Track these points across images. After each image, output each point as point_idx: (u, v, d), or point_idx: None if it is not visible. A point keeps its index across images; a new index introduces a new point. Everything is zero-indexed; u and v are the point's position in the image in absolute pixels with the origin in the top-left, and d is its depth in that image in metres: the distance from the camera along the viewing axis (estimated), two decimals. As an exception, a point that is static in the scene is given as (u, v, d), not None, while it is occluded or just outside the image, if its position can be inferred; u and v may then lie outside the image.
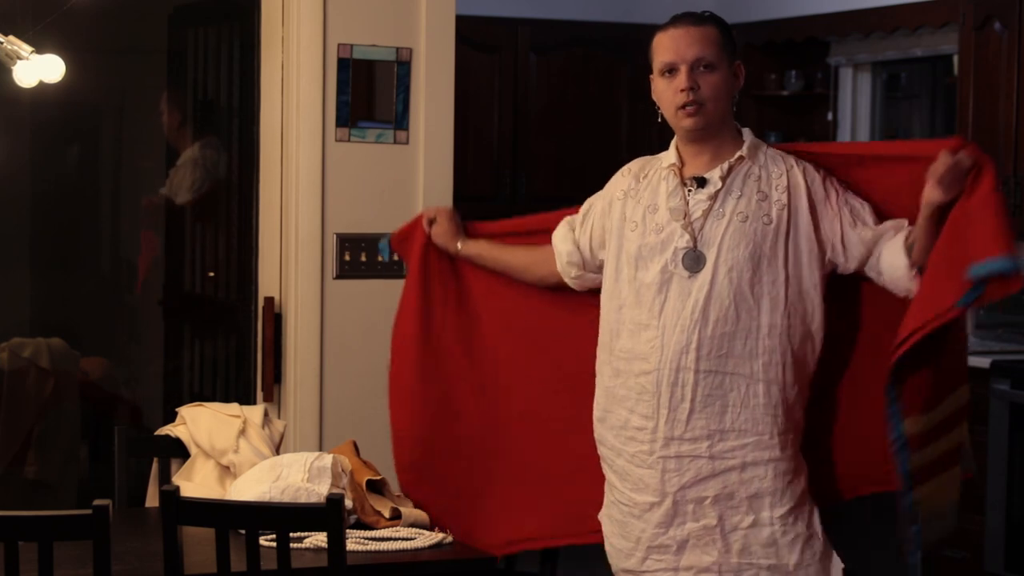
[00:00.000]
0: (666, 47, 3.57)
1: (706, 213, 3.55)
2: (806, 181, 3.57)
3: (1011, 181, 6.66)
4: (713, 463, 3.52)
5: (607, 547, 3.70)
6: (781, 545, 3.53)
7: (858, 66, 8.13)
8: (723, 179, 3.57)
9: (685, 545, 3.56)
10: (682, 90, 3.53)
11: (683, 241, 3.54)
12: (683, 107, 3.54)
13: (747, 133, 3.64)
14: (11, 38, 4.47)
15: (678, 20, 3.60)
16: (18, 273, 6.92)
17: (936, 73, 7.98)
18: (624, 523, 3.63)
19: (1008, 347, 6.75)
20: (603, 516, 3.73)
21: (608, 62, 8.34)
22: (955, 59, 7.16)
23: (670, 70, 3.56)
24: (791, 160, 3.61)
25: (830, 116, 8.19)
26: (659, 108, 3.63)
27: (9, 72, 4.50)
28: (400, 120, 5.32)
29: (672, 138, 3.69)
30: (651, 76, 3.65)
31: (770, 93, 8.29)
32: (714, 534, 3.54)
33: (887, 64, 8.08)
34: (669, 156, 3.64)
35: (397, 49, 5.30)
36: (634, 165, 3.73)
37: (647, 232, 3.59)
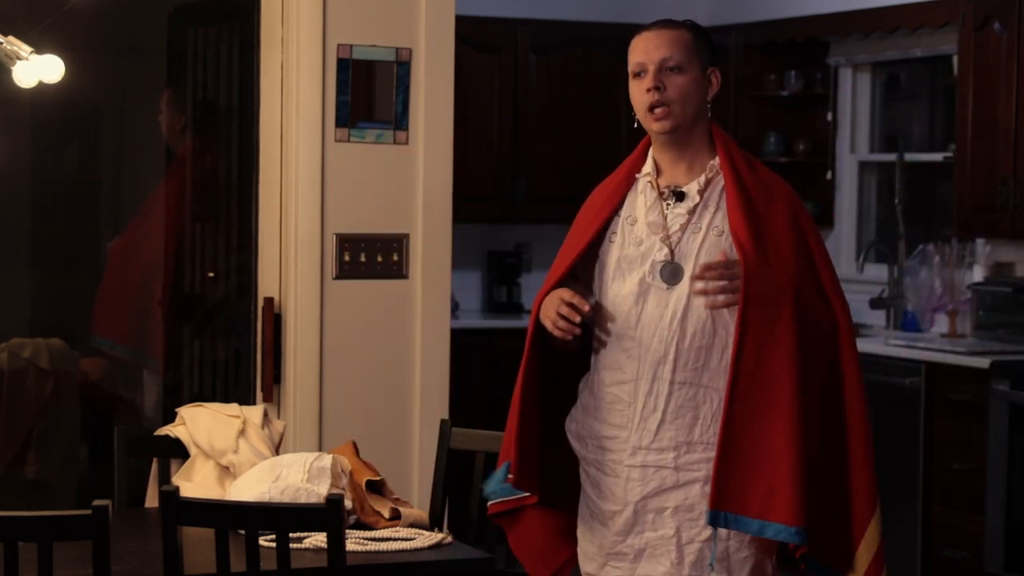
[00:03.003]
0: (637, 49, 3.60)
1: (684, 226, 3.55)
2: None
3: (1011, 181, 6.66)
4: (678, 474, 3.52)
5: (578, 551, 3.71)
6: (733, 561, 3.52)
7: (858, 66, 8.13)
8: (700, 193, 3.57)
9: (642, 554, 3.56)
10: (648, 90, 3.55)
11: (661, 254, 3.54)
12: (651, 109, 3.56)
13: (721, 139, 3.62)
14: (11, 38, 4.47)
15: (650, 25, 3.64)
16: (18, 273, 6.92)
17: (936, 73, 7.98)
18: (592, 529, 3.65)
19: (1008, 347, 6.75)
20: (579, 519, 3.73)
21: (608, 62, 8.34)
22: (955, 59, 7.16)
23: (639, 72, 3.58)
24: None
25: (830, 116, 8.19)
26: (634, 112, 3.64)
27: (9, 72, 4.50)
28: (400, 120, 5.32)
29: (641, 145, 3.69)
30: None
31: (770, 93, 8.29)
32: (669, 544, 3.53)
33: (887, 64, 8.09)
34: (646, 165, 3.64)
35: (397, 49, 5.30)
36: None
37: (626, 244, 3.59)
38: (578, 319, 3.51)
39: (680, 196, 3.58)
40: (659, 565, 3.54)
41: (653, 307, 3.53)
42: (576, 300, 3.51)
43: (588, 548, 3.66)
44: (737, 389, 3.41)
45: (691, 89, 3.56)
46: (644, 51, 3.58)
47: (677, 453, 3.52)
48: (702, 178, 3.58)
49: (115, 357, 6.47)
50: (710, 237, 3.53)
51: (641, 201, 3.61)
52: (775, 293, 3.44)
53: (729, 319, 3.50)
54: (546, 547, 3.76)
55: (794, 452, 3.39)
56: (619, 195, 3.64)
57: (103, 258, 6.98)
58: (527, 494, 3.72)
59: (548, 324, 3.54)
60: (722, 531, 3.51)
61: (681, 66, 3.56)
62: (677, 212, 3.57)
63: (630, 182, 3.65)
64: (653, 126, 3.58)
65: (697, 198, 3.57)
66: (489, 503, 3.78)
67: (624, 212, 3.62)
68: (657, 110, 3.55)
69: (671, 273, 3.53)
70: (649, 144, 3.67)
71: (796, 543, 3.41)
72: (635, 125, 3.66)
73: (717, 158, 3.59)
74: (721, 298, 3.45)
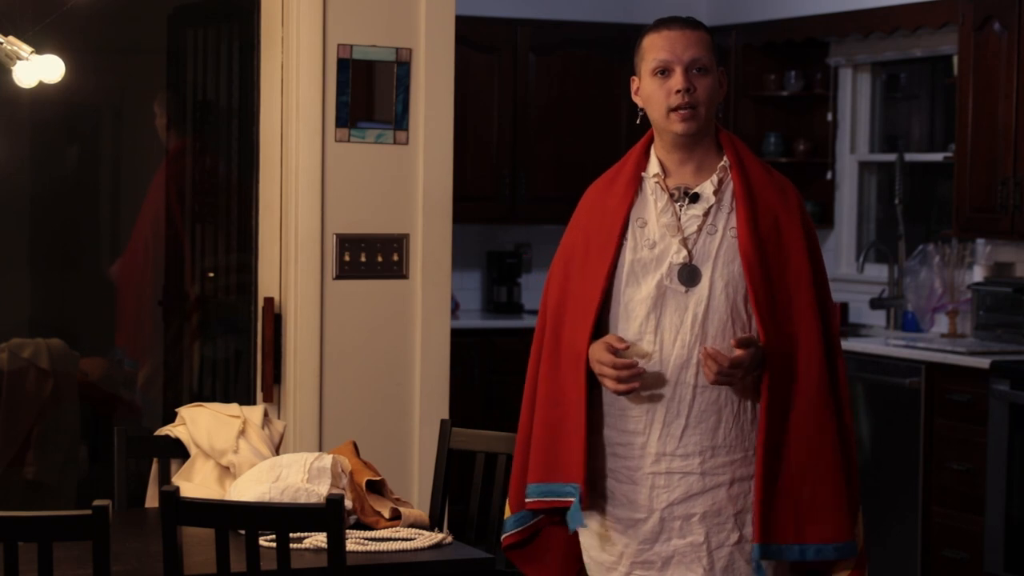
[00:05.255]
0: (660, 47, 3.51)
1: (700, 228, 3.52)
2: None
3: (1011, 181, 6.66)
4: (704, 479, 3.50)
5: (585, 558, 3.66)
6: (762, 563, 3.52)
7: (858, 66, 8.13)
8: (715, 193, 3.54)
9: (670, 562, 3.52)
10: (678, 91, 3.48)
11: (679, 256, 3.50)
12: (676, 109, 3.50)
13: (728, 140, 3.61)
14: (11, 38, 4.47)
15: (671, 23, 3.56)
16: (18, 273, 6.91)
17: (936, 73, 7.98)
18: (605, 537, 3.59)
19: (1008, 347, 6.75)
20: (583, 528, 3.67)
21: (608, 62, 8.35)
22: (955, 59, 7.16)
23: (663, 71, 3.51)
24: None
25: (829, 117, 8.19)
26: (642, 110, 3.59)
27: (9, 72, 4.50)
28: (400, 120, 5.31)
29: (641, 143, 3.65)
30: (634, 77, 3.59)
31: (769, 93, 8.29)
32: (700, 551, 3.50)
33: (887, 64, 8.09)
34: (652, 166, 3.59)
35: (397, 49, 5.30)
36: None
37: (638, 247, 3.54)
38: (640, 375, 3.48)
39: (695, 198, 3.54)
40: (690, 572, 3.50)
41: (672, 311, 3.49)
42: (620, 359, 3.46)
43: (603, 557, 3.60)
44: (769, 433, 3.45)
45: (714, 91, 3.53)
46: (671, 50, 3.50)
47: (703, 458, 3.50)
48: (714, 178, 3.54)
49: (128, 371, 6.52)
50: (727, 239, 3.50)
51: (651, 203, 3.55)
52: (791, 355, 3.47)
53: (747, 320, 3.49)
54: (561, 561, 3.73)
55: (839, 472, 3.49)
56: (630, 196, 3.57)
57: (103, 258, 6.98)
58: (539, 517, 3.68)
59: (611, 388, 3.49)
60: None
61: (708, 68, 3.51)
62: (692, 214, 3.52)
63: (637, 182, 3.59)
64: (676, 127, 3.51)
65: (712, 199, 3.53)
66: (503, 536, 3.71)
67: (633, 214, 3.57)
68: (684, 111, 3.50)
69: (689, 275, 3.49)
70: (650, 142, 3.63)
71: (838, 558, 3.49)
72: (638, 121, 3.61)
73: (726, 158, 3.57)
74: (714, 376, 3.44)
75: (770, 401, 3.44)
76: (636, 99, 3.60)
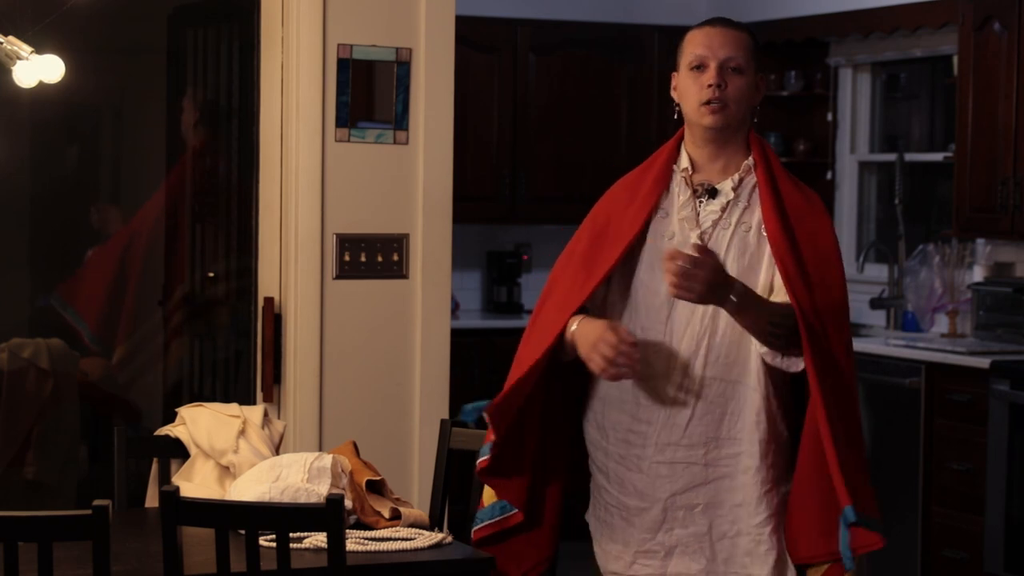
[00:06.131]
0: (699, 42, 3.58)
1: (716, 223, 3.57)
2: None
3: (1010, 181, 6.66)
4: (707, 470, 3.53)
5: (595, 548, 3.70)
6: (756, 555, 3.53)
7: (858, 66, 8.13)
8: (734, 189, 3.58)
9: (673, 551, 3.56)
10: (709, 85, 3.54)
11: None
12: (707, 103, 3.55)
13: (758, 142, 3.64)
14: (11, 38, 4.47)
15: (714, 21, 3.63)
16: (18, 273, 6.91)
17: (936, 73, 7.98)
18: (613, 526, 3.63)
19: (1008, 347, 6.75)
20: (590, 517, 3.72)
21: (607, 63, 8.35)
22: (955, 59, 7.16)
23: (699, 65, 3.56)
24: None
25: (830, 117, 8.20)
26: (678, 105, 3.64)
27: (9, 72, 4.50)
28: (400, 120, 5.31)
29: (673, 139, 3.70)
30: (674, 73, 3.65)
31: (769, 93, 8.29)
32: (703, 542, 3.54)
33: (886, 64, 8.09)
34: (682, 160, 3.64)
35: (397, 49, 5.30)
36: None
37: (657, 237, 3.60)
38: (638, 365, 3.49)
39: (713, 193, 3.59)
40: (694, 563, 3.54)
41: (685, 303, 3.50)
42: (627, 347, 3.46)
43: (611, 547, 3.64)
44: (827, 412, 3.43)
45: (747, 92, 3.58)
46: (708, 46, 3.57)
47: (707, 449, 3.53)
48: (736, 176, 3.59)
49: (75, 328, 6.45)
50: (739, 233, 3.55)
51: (676, 195, 3.62)
52: (822, 323, 3.50)
53: None
54: (519, 551, 3.74)
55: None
56: (659, 189, 3.62)
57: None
58: (513, 512, 3.70)
59: (596, 366, 3.48)
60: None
61: (742, 68, 3.56)
62: (710, 209, 3.58)
63: (668, 174, 3.64)
64: (705, 120, 3.57)
65: (731, 194, 3.58)
66: (474, 529, 3.75)
67: (659, 204, 3.62)
68: (713, 105, 3.54)
69: None
70: (682, 138, 3.67)
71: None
72: (675, 116, 3.65)
73: (751, 157, 3.60)
74: (673, 289, 3.37)
75: (817, 369, 3.42)
76: (674, 94, 3.66)
